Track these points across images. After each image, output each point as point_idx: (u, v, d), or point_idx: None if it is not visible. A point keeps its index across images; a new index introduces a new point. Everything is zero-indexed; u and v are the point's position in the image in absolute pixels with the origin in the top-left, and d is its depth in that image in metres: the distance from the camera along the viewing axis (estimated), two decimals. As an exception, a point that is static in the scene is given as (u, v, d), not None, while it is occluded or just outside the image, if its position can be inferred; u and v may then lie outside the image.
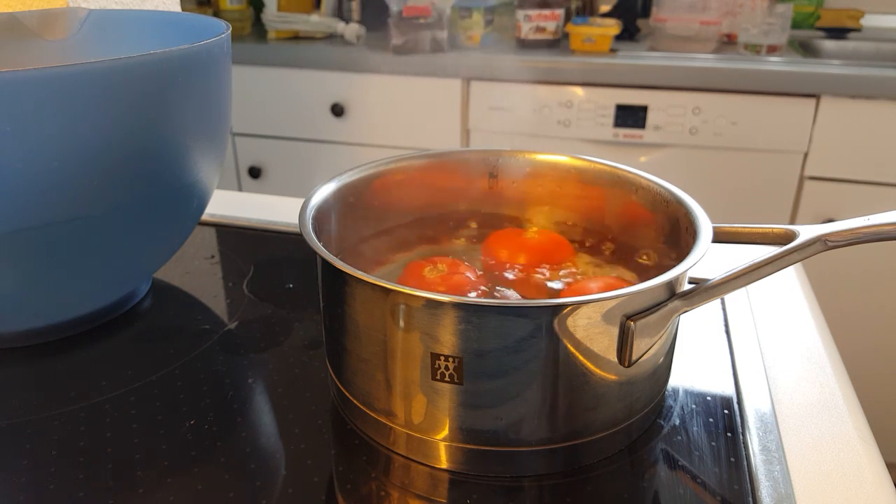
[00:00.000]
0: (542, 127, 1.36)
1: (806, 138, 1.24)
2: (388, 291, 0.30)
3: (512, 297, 0.37)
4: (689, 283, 0.33)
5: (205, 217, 0.62)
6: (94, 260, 0.41)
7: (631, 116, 1.30)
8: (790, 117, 1.23)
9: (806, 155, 1.25)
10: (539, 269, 0.40)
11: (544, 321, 0.29)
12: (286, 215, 0.63)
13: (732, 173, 1.29)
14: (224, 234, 0.60)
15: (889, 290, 1.26)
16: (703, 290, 0.31)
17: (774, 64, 1.25)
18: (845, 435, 0.35)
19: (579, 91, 1.32)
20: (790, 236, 0.32)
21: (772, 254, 0.31)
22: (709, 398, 0.38)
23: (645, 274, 0.39)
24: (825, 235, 0.31)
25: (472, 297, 0.36)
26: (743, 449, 0.34)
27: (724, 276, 0.31)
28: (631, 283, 0.35)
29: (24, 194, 0.35)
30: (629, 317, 0.30)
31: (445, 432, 0.32)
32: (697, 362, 0.41)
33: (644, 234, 0.41)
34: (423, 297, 0.30)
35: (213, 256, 0.56)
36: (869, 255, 1.24)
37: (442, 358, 0.30)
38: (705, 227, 0.34)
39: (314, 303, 0.48)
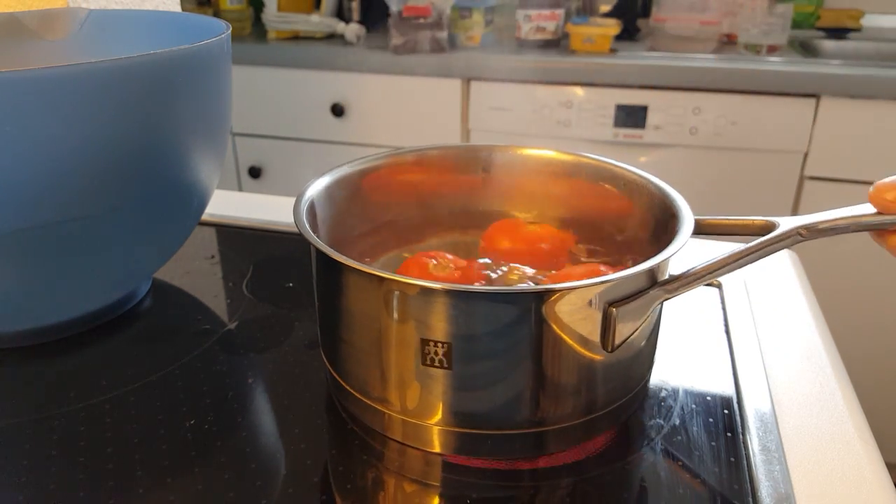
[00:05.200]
0: (542, 127, 1.36)
1: (806, 138, 1.24)
2: (382, 280, 0.31)
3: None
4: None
5: (205, 217, 0.62)
6: (94, 260, 0.41)
7: (631, 116, 1.30)
8: (790, 117, 1.23)
9: (806, 155, 1.25)
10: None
11: (531, 307, 0.30)
12: (286, 215, 0.63)
13: (732, 173, 1.29)
14: (224, 234, 0.60)
15: (889, 291, 1.26)
16: (683, 279, 0.32)
17: (774, 64, 1.25)
18: (845, 435, 0.35)
19: (579, 91, 1.32)
20: (770, 227, 0.33)
21: (751, 244, 0.32)
22: (709, 398, 0.38)
23: (629, 263, 0.40)
24: (803, 226, 0.32)
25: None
26: (743, 449, 0.34)
27: (704, 265, 0.32)
28: (614, 271, 0.36)
29: (24, 194, 0.35)
30: (611, 303, 0.31)
31: (438, 416, 0.33)
32: (697, 362, 0.41)
33: (629, 226, 0.41)
34: (416, 286, 0.30)
35: (213, 256, 0.56)
36: (869, 255, 1.24)
37: (431, 343, 0.31)
38: (687, 218, 0.35)
39: (314, 302, 0.48)
